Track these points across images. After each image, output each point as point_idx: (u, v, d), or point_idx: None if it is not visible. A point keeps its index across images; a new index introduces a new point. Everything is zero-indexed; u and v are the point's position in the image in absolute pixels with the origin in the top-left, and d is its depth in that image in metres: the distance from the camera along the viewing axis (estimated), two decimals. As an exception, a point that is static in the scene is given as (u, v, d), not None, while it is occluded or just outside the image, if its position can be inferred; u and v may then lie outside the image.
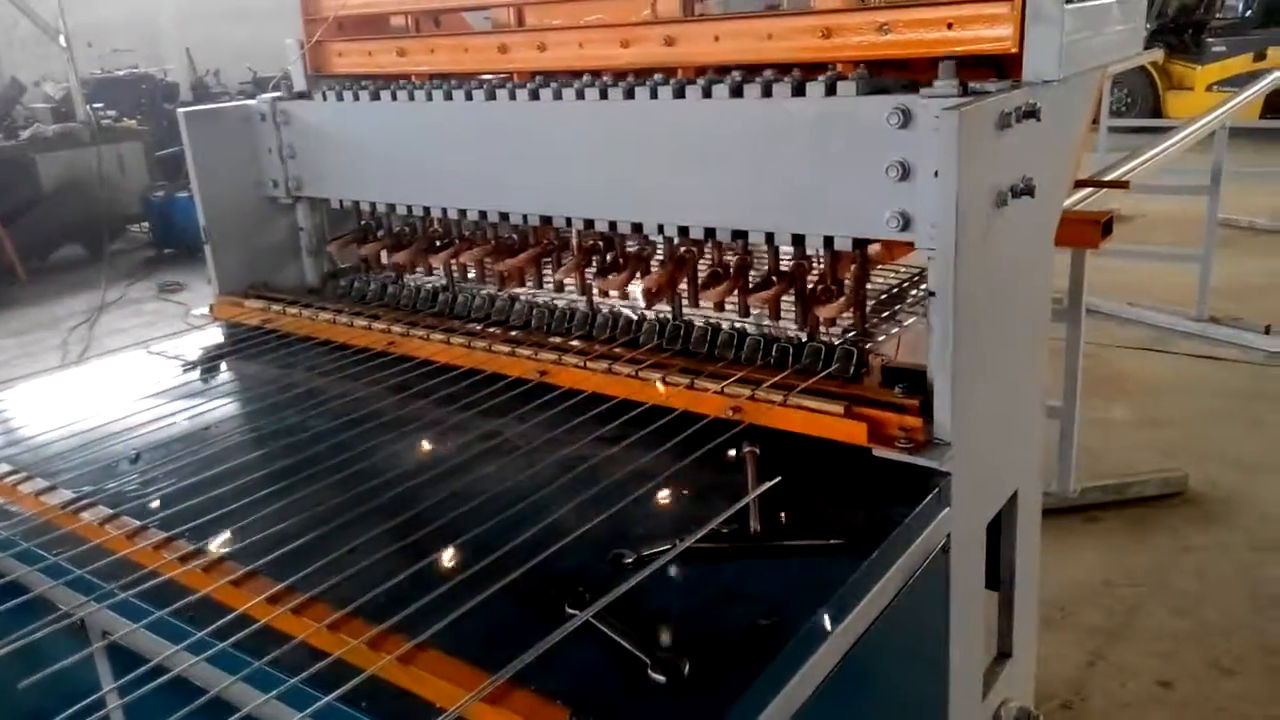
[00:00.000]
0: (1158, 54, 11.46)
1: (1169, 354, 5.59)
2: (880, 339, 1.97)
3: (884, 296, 2.29)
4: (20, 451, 1.84)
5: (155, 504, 1.54)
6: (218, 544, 1.35)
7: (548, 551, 1.31)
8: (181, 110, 2.53)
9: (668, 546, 1.33)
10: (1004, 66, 1.68)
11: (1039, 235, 1.78)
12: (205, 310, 2.64)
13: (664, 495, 1.51)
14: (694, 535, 1.34)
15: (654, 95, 1.83)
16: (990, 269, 1.58)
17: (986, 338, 1.62)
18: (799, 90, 1.66)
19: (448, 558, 1.33)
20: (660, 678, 1.09)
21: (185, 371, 2.31)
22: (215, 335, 2.52)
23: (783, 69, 2.01)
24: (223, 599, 1.22)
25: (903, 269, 2.26)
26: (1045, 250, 1.84)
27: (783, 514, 1.43)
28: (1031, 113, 1.53)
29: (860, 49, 1.82)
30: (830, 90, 1.63)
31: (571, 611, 1.20)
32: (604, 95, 1.89)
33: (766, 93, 1.70)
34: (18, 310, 8.78)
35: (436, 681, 1.00)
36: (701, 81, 1.78)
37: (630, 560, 1.34)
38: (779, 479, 1.42)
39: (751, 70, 2.06)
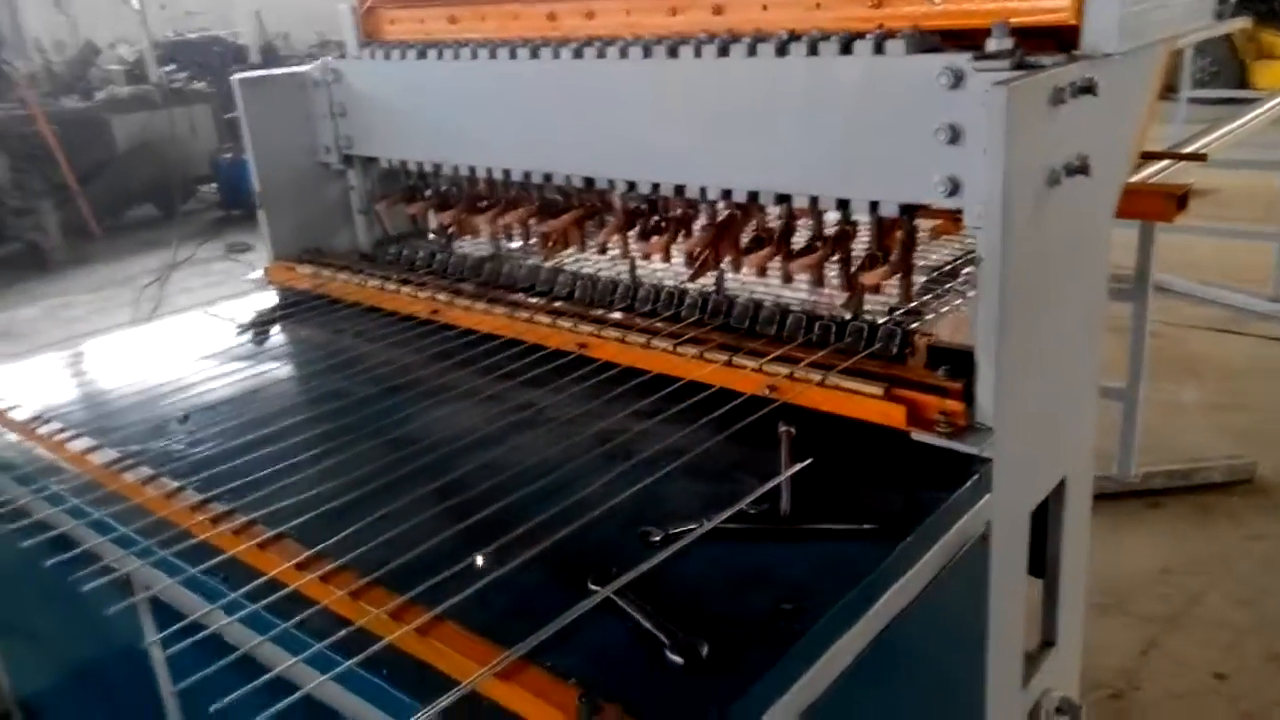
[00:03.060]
0: (1244, 22, 10.95)
1: (1244, 335, 5.39)
2: (929, 317, 1.93)
3: (937, 273, 2.24)
4: (76, 409, 1.90)
5: (197, 465, 1.57)
6: (251, 507, 1.37)
7: (575, 525, 1.31)
8: (236, 77, 2.56)
9: (695, 525, 1.32)
10: (1067, 38, 1.62)
11: (1095, 214, 1.71)
12: (260, 274, 2.69)
13: (695, 472, 1.50)
14: (721, 515, 1.33)
15: (698, 54, 1.79)
16: (1041, 249, 1.52)
17: (1036, 320, 1.57)
18: (846, 49, 1.62)
19: (475, 528, 1.33)
20: (678, 659, 1.09)
21: (238, 334, 2.36)
22: (268, 299, 2.57)
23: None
24: (252, 562, 1.24)
25: (962, 243, 2.21)
26: (1102, 229, 1.77)
27: (814, 496, 1.41)
28: (1088, 88, 1.47)
29: (912, 18, 1.76)
30: (879, 49, 1.58)
31: (594, 588, 1.20)
32: (648, 54, 1.86)
33: (813, 51, 1.65)
34: (93, 267, 9.06)
35: (451, 654, 1.01)
36: (747, 39, 1.74)
37: (658, 538, 1.33)
38: (810, 461, 1.40)
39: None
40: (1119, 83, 1.63)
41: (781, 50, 1.69)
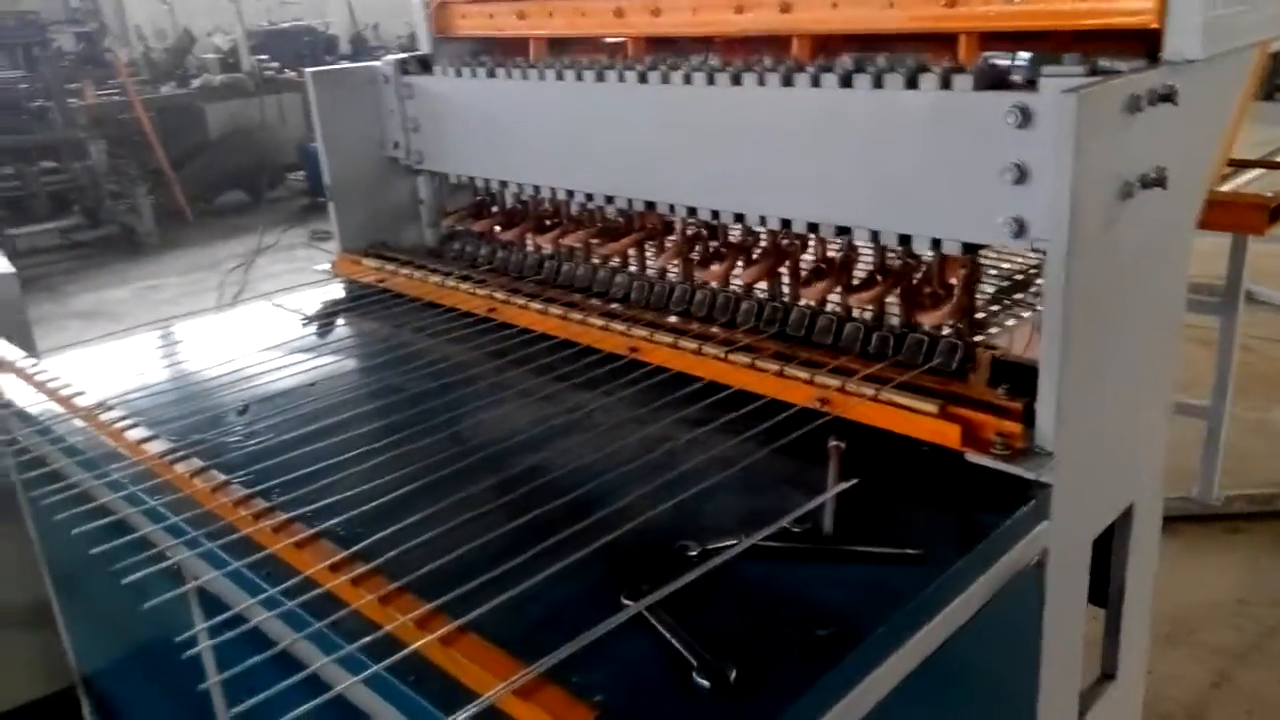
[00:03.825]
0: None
1: (1344, 352, 5.12)
2: (994, 331, 1.86)
3: (1006, 283, 2.17)
4: (140, 396, 1.95)
5: (250, 458, 1.60)
6: (294, 504, 1.39)
7: (612, 536, 1.29)
8: (309, 70, 2.61)
9: (734, 542, 1.29)
10: (1151, 42, 1.54)
11: (1173, 228, 1.63)
12: (327, 266, 2.73)
13: (740, 485, 1.47)
14: (761, 532, 1.29)
15: (762, 82, 1.75)
16: (1111, 265, 1.45)
17: (1104, 339, 1.50)
18: (912, 82, 1.56)
19: (513, 535, 1.33)
20: (705, 682, 1.06)
21: (303, 326, 2.40)
22: (334, 291, 2.61)
23: (902, 39, 1.93)
24: (290, 560, 1.26)
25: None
26: (1180, 244, 1.68)
27: (860, 516, 1.37)
28: (1167, 96, 1.39)
29: (986, 19, 1.70)
30: (945, 83, 1.52)
31: (625, 602, 1.18)
32: (711, 81, 1.83)
33: (877, 83, 1.60)
34: (184, 251, 9.37)
35: (472, 667, 1.00)
36: (811, 69, 1.69)
37: (694, 552, 1.30)
38: (857, 480, 1.35)
39: (869, 44, 1.97)
40: (1203, 90, 1.54)
41: (846, 81, 1.64)
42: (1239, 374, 3.56)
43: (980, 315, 1.89)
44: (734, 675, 1.07)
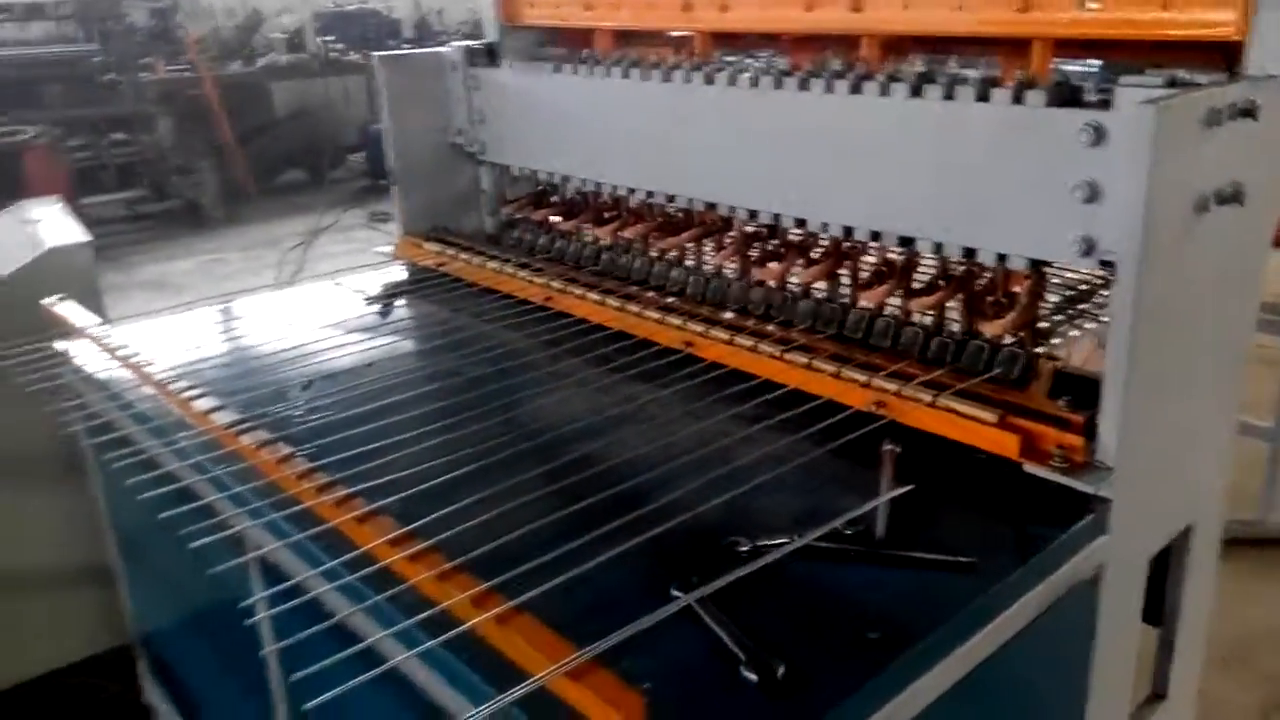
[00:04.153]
0: None
1: None
2: (1056, 341, 1.84)
3: (1070, 293, 2.14)
4: (208, 368, 2.00)
5: (313, 432, 1.64)
6: (355, 479, 1.42)
7: (664, 527, 1.30)
8: (377, 54, 2.64)
9: (785, 540, 1.30)
10: (1234, 54, 1.51)
11: (1248, 244, 1.60)
12: (389, 248, 2.78)
13: (792, 484, 1.47)
14: (813, 532, 1.30)
15: (829, 89, 1.74)
16: (1182, 280, 1.43)
17: (1172, 355, 1.48)
18: (983, 95, 1.54)
19: (568, 519, 1.34)
20: (752, 676, 1.08)
21: (365, 305, 2.44)
22: (395, 274, 2.65)
23: (978, 43, 1.90)
24: (350, 534, 1.29)
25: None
26: (1255, 261, 1.65)
27: (914, 522, 1.36)
28: (1248, 111, 1.37)
29: (1059, 26, 1.68)
30: (1017, 98, 1.50)
31: (675, 594, 1.19)
32: (779, 85, 1.82)
33: (949, 95, 1.58)
34: (245, 227, 9.55)
35: (525, 647, 1.02)
36: (880, 78, 1.68)
37: (745, 548, 1.31)
38: (912, 486, 1.35)
39: (939, 46, 1.95)
40: (1285, 106, 1.51)
41: (916, 91, 1.62)
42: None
43: (1043, 325, 1.87)
44: (781, 671, 1.08)
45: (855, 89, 1.71)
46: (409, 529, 1.27)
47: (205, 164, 9.81)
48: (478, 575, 1.16)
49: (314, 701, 1.01)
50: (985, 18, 1.76)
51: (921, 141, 1.62)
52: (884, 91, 1.67)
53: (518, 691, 0.97)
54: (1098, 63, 1.78)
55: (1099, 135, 1.39)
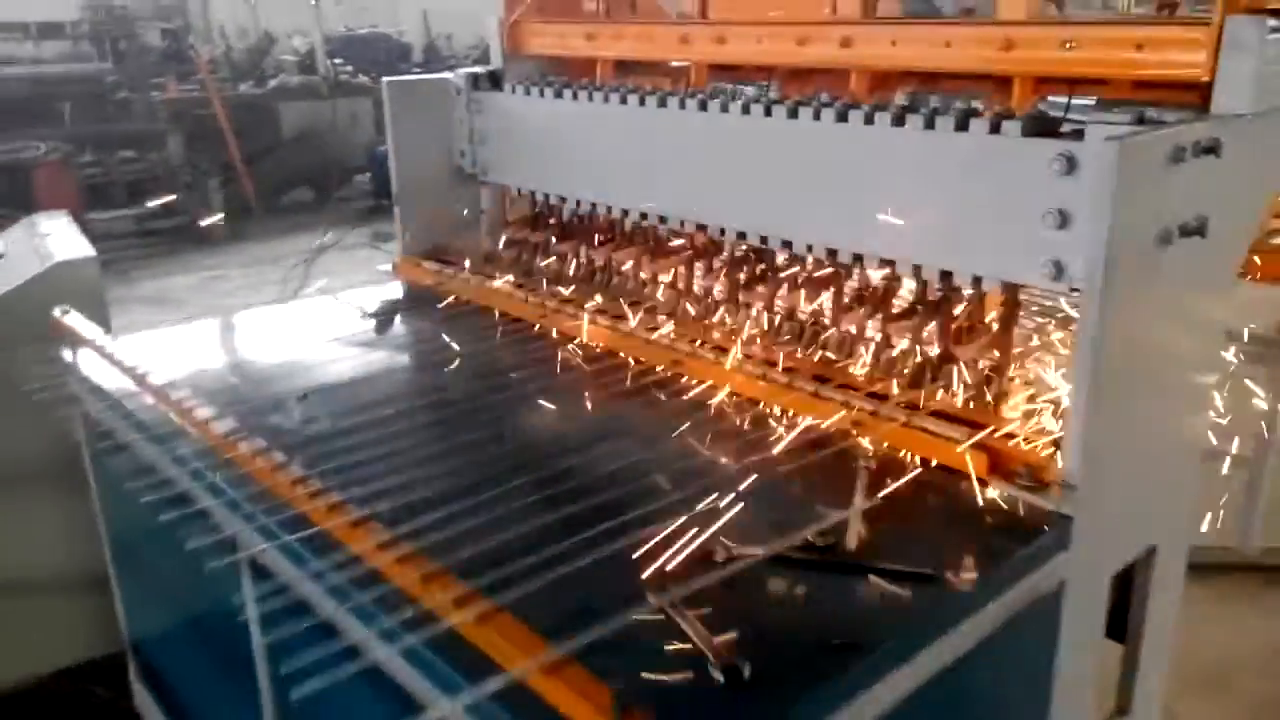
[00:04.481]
0: None
1: (1405, 414, 4.99)
2: (1029, 366, 1.89)
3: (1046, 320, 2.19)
4: (208, 378, 2.06)
5: (307, 441, 1.69)
6: (347, 486, 1.47)
7: (641, 533, 1.35)
8: (385, 79, 2.72)
9: (759, 549, 1.35)
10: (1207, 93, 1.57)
11: (1213, 276, 1.66)
12: (389, 267, 2.84)
13: (769, 498, 1.52)
14: (783, 542, 1.35)
15: (817, 117, 1.81)
16: (1145, 309, 1.49)
17: (1135, 381, 1.53)
18: (962, 125, 1.61)
19: (550, 527, 1.39)
20: (719, 676, 1.12)
21: (362, 320, 2.50)
22: (394, 291, 2.71)
23: (963, 79, 1.97)
24: (341, 537, 1.34)
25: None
26: (1219, 291, 1.71)
27: (884, 535, 1.42)
28: (1211, 149, 1.43)
29: (1041, 64, 1.75)
30: (995, 128, 1.57)
31: (652, 599, 1.24)
32: (768, 113, 1.89)
33: (929, 124, 1.65)
34: (249, 244, 9.63)
35: (503, 644, 1.07)
36: (865, 108, 1.75)
37: (721, 559, 1.36)
38: (879, 499, 1.41)
39: (926, 82, 2.02)
40: (1253, 142, 1.57)
41: (898, 120, 1.69)
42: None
43: (1019, 350, 1.93)
44: (748, 672, 1.13)
45: (841, 117, 1.78)
46: (396, 534, 1.32)
47: (212, 182, 9.91)
48: (460, 577, 1.21)
49: (300, 691, 1.05)
50: (971, 55, 1.83)
51: (903, 168, 1.69)
52: (868, 120, 1.73)
53: (494, 684, 1.02)
54: (1090, 100, 1.85)
55: (1070, 165, 1.45)
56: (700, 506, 1.45)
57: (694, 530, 1.40)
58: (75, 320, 2.25)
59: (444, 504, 1.43)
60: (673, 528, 1.38)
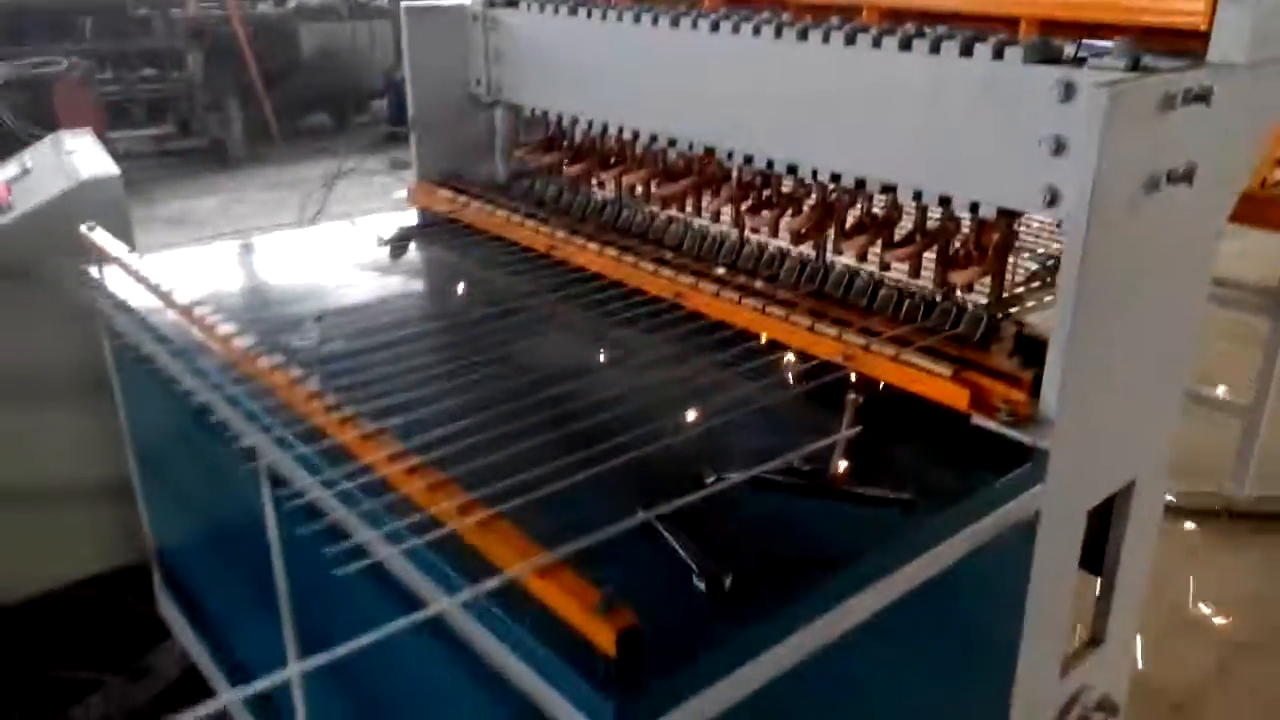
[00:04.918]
0: None
1: None
2: (1026, 306, 1.94)
3: (1051, 261, 2.23)
4: (229, 298, 2.14)
5: (323, 359, 1.77)
6: (360, 401, 1.55)
7: (637, 455, 1.43)
8: (404, 4, 2.74)
9: (746, 474, 1.43)
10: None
11: (1201, 222, 1.70)
12: (404, 193, 2.89)
13: (761, 426, 1.60)
14: (768, 465, 1.43)
15: (826, 40, 1.84)
16: (1130, 253, 1.53)
17: (1117, 322, 1.59)
18: (967, 50, 1.64)
19: (551, 444, 1.47)
20: (701, 585, 1.21)
21: (379, 246, 2.57)
22: (409, 218, 2.77)
23: (972, 20, 1.99)
24: (354, 449, 1.42)
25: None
26: (1208, 238, 1.75)
27: (867, 463, 1.49)
28: (1202, 97, 1.46)
29: (1048, 8, 1.77)
30: (998, 54, 1.60)
31: (642, 513, 1.32)
32: (779, 35, 1.92)
33: (935, 49, 1.68)
34: (269, 168, 9.66)
35: (501, 547, 1.15)
36: (873, 30, 1.78)
37: (711, 480, 1.44)
38: (860, 428, 1.48)
39: (936, 21, 2.04)
40: (1246, 93, 1.60)
41: (905, 45, 1.72)
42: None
43: (1015, 292, 1.98)
44: (729, 582, 1.21)
45: (850, 41, 1.81)
46: (407, 446, 1.40)
47: (232, 103, 9.90)
48: (465, 487, 1.29)
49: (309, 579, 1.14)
50: (977, -1, 1.85)
51: (908, 93, 1.72)
52: (876, 44, 1.76)
53: (490, 584, 1.11)
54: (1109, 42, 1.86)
55: (1069, 91, 1.47)
56: (694, 432, 1.53)
57: (688, 454, 1.48)
58: (102, 237, 2.32)
59: (450, 421, 1.51)
60: (667, 451, 1.46)
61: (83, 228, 2.36)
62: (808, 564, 1.27)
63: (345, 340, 1.91)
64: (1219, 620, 3.05)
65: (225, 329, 1.79)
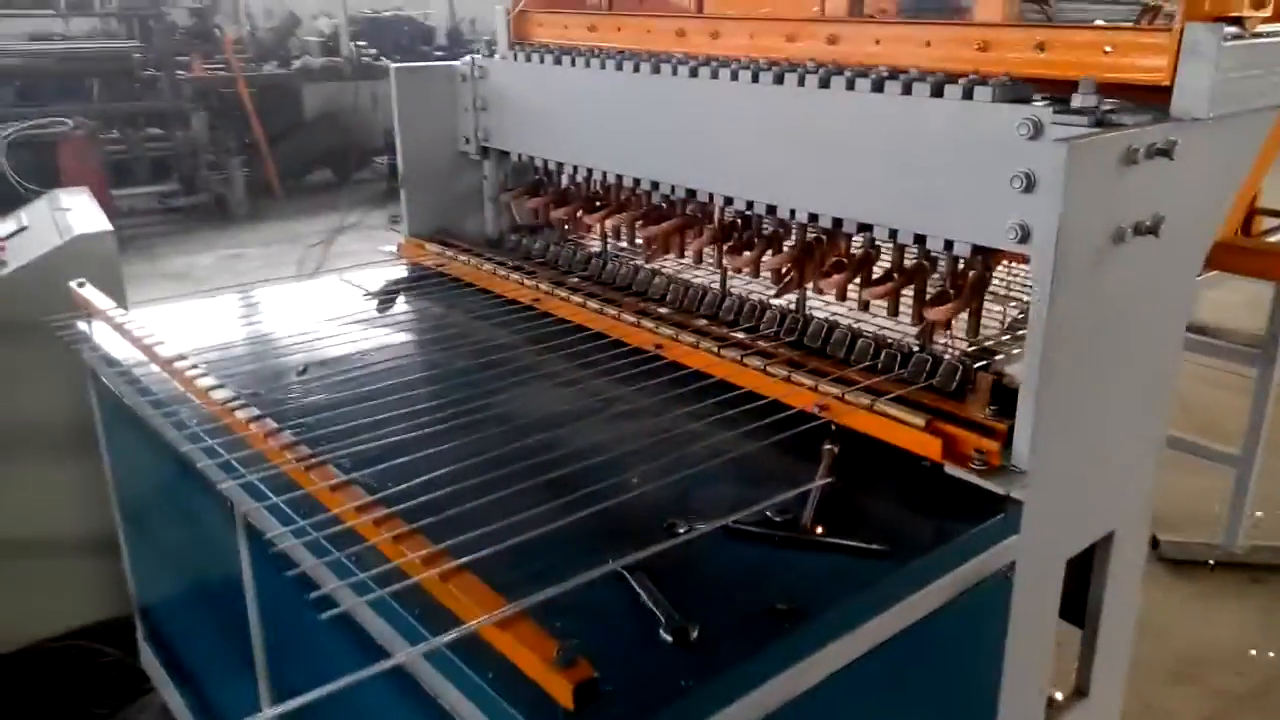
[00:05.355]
0: None
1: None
2: (1000, 357, 1.95)
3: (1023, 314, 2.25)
4: (214, 350, 2.15)
5: (302, 410, 1.78)
6: (333, 452, 1.56)
7: (611, 504, 1.43)
8: (393, 67, 2.80)
9: (719, 523, 1.42)
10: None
11: (1171, 273, 1.71)
12: (394, 248, 2.93)
13: (735, 475, 1.60)
14: (738, 514, 1.43)
15: (801, 83, 1.88)
16: (1099, 302, 1.55)
17: (1088, 372, 1.60)
18: (938, 91, 1.68)
19: (523, 494, 1.46)
20: (668, 637, 1.20)
21: (365, 299, 2.59)
22: (397, 271, 2.80)
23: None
24: (323, 500, 1.42)
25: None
26: (1180, 288, 1.76)
27: (840, 513, 1.49)
28: (1164, 151, 1.49)
29: (1015, 65, 1.80)
30: (968, 94, 1.63)
31: (612, 563, 1.32)
32: (755, 79, 1.96)
33: (907, 90, 1.72)
34: (270, 224, 9.76)
35: (463, 599, 1.15)
36: (847, 73, 1.82)
37: (683, 530, 1.44)
38: (832, 479, 1.48)
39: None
40: (1211, 146, 1.63)
41: (878, 87, 1.76)
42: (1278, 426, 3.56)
43: (990, 343, 1.99)
44: (695, 634, 1.20)
45: (824, 84, 1.85)
46: (376, 498, 1.40)
47: (234, 161, 10.04)
48: (431, 539, 1.29)
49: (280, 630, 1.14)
50: (949, 55, 1.89)
51: (881, 134, 1.76)
52: (850, 86, 1.80)
53: (450, 635, 1.10)
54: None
55: (1037, 129, 1.51)
56: (667, 480, 1.53)
57: (662, 504, 1.48)
58: (90, 292, 2.35)
59: (423, 471, 1.52)
60: (642, 501, 1.46)
61: (72, 283, 2.38)
62: (778, 615, 1.26)
63: (326, 392, 1.92)
64: (1214, 672, 3.01)
65: (204, 381, 1.80)
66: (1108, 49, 1.68)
